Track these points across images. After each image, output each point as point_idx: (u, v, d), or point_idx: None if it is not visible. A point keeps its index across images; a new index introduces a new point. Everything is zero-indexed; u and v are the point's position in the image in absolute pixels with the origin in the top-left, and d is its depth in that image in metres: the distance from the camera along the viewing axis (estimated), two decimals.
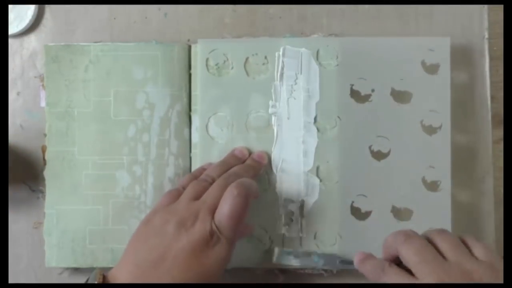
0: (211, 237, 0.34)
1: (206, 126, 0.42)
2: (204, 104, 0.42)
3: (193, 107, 0.43)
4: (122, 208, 0.42)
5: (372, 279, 0.34)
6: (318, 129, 0.42)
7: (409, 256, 0.32)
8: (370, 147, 0.42)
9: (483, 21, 0.44)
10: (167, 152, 0.42)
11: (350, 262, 0.37)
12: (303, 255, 0.41)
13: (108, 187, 0.42)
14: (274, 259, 0.41)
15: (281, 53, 0.42)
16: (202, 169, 0.41)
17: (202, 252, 0.34)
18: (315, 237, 0.41)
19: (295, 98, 0.42)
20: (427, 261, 0.31)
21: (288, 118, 0.42)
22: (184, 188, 0.39)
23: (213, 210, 0.35)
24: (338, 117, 0.42)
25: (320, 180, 0.42)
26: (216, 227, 0.34)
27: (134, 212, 0.42)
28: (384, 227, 0.41)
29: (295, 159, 0.42)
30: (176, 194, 0.38)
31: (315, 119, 0.42)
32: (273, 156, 0.42)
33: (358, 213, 0.42)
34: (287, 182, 0.42)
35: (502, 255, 0.33)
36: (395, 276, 0.32)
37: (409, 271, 0.32)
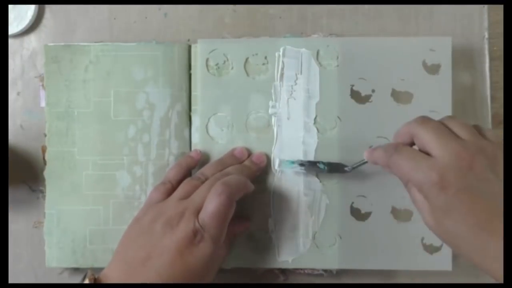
0: (195, 236, 0.35)
1: (206, 126, 0.42)
2: (204, 104, 0.42)
3: (193, 107, 0.43)
4: (122, 208, 0.42)
5: (383, 162, 0.34)
6: (318, 130, 0.42)
7: (425, 135, 0.32)
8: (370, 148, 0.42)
9: (483, 21, 0.44)
10: (167, 152, 0.42)
11: (362, 163, 0.38)
12: (308, 163, 0.40)
13: (108, 188, 0.42)
14: (276, 166, 0.41)
15: (281, 53, 0.42)
16: (188, 157, 0.41)
17: (187, 250, 0.34)
18: (314, 238, 0.41)
19: (295, 99, 0.42)
20: (444, 137, 0.31)
21: (288, 119, 0.42)
22: (170, 181, 0.39)
23: (198, 210, 0.36)
24: (338, 117, 0.42)
25: (320, 181, 0.42)
26: (200, 225, 0.35)
27: (134, 212, 0.42)
28: (383, 228, 0.41)
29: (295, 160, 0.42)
30: (164, 190, 0.39)
31: (315, 119, 0.42)
32: (273, 157, 0.42)
33: (358, 214, 0.42)
34: (286, 182, 0.42)
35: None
36: (407, 153, 0.32)
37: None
